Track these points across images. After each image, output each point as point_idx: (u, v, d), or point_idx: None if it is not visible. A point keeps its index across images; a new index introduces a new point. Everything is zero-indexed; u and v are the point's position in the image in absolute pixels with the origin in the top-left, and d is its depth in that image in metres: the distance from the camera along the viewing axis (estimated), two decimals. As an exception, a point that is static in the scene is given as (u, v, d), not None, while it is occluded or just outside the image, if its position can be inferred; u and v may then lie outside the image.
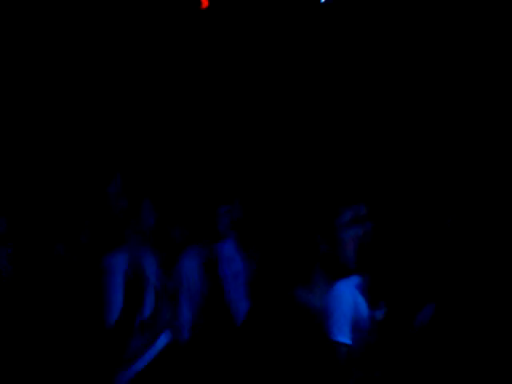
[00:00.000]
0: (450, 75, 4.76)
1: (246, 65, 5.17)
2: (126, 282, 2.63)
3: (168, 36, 4.91)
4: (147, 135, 4.79)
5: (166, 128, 4.98)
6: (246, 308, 3.74)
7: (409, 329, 3.05)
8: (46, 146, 4.29)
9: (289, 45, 5.12)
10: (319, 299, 2.23)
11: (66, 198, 2.33)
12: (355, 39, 5.03)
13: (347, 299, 2.43)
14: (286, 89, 5.17)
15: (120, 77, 4.82)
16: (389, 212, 3.56)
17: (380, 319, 2.82)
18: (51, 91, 4.52)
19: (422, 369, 2.78)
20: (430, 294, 3.42)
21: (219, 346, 3.48)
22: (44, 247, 2.30)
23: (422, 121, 4.79)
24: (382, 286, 3.35)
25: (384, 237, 3.47)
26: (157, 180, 3.18)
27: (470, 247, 3.47)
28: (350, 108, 5.06)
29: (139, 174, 3.02)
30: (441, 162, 4.50)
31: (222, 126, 5.15)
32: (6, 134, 4.25)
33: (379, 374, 2.97)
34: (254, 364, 2.27)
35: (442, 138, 4.67)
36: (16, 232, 2.64)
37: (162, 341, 2.91)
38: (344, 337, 2.19)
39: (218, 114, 5.16)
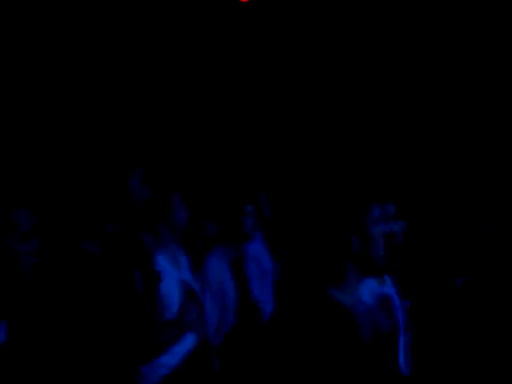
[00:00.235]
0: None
1: (277, 59, 5.15)
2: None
3: (206, 28, 4.90)
4: (174, 131, 4.80)
5: (192, 125, 4.99)
6: (272, 308, 3.72)
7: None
8: (69, 138, 4.31)
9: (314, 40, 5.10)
10: (351, 298, 2.21)
11: (90, 192, 2.32)
12: (357, 38, 5.00)
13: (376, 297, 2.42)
14: (314, 85, 5.15)
15: (148, 70, 4.83)
16: (421, 213, 3.53)
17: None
18: (79, 84, 4.54)
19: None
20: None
21: (246, 346, 3.46)
22: (70, 242, 2.30)
23: (463, 124, 4.75)
24: (411, 284, 3.33)
25: (414, 236, 3.44)
26: (185, 176, 3.18)
27: (501, 254, 3.44)
28: (382, 106, 5.03)
29: (166, 168, 3.02)
30: (477, 168, 4.45)
31: (249, 123, 5.14)
32: (27, 128, 4.27)
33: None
34: (283, 364, 2.24)
35: (477, 147, 4.63)
36: (40, 226, 2.65)
37: (189, 341, 2.90)
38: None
39: (246, 111, 5.15)
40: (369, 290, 2.57)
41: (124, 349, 2.28)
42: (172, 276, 2.93)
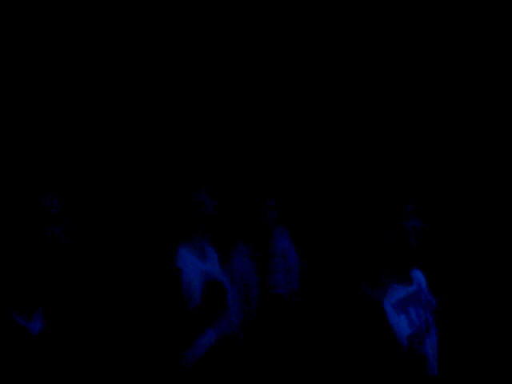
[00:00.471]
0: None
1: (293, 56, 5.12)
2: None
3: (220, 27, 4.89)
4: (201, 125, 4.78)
5: (220, 118, 4.97)
6: (298, 303, 3.69)
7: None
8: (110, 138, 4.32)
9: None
10: (383, 294, 2.18)
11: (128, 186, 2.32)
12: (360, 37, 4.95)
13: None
14: (339, 80, 5.11)
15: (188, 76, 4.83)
16: (454, 209, 3.49)
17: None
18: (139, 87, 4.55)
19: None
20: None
21: (271, 341, 3.44)
22: (108, 231, 2.30)
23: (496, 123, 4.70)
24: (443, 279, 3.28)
25: (446, 233, 3.39)
26: (211, 169, 3.16)
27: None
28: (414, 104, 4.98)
29: (193, 161, 3.01)
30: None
31: (276, 118, 5.11)
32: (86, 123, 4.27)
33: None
34: (310, 359, 2.21)
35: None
36: (71, 208, 2.65)
37: (211, 336, 2.90)
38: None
39: (271, 108, 5.12)
40: (396, 292, 2.54)
41: (159, 333, 2.28)
42: (196, 268, 2.92)
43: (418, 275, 3.12)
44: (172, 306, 2.60)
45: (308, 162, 4.89)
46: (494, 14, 4.52)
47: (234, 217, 3.82)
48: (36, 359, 2.32)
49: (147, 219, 2.48)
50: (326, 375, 2.11)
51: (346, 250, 2.25)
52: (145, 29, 4.69)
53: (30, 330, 2.33)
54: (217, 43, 4.94)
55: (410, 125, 4.88)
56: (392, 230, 2.19)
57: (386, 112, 5.02)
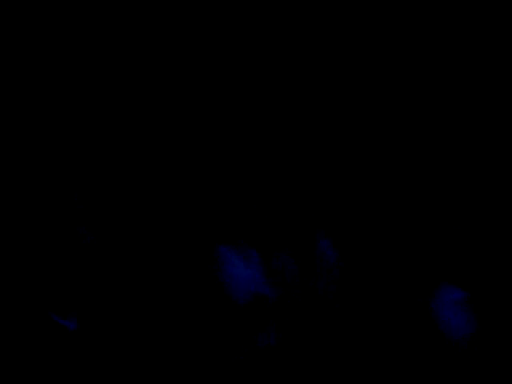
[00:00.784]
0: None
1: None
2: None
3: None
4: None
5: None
6: (340, 305, 3.62)
7: None
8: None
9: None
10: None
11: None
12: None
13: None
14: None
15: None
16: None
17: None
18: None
19: None
20: None
21: (313, 345, 3.37)
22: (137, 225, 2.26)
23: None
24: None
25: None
26: (255, 172, 3.11)
27: None
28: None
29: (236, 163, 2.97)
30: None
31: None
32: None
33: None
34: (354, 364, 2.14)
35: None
36: (97, 207, 2.63)
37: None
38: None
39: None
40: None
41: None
42: (238, 270, 2.87)
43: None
44: (213, 311, 2.55)
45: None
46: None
47: (277, 216, 3.75)
48: (73, 356, 2.30)
49: (183, 213, 2.43)
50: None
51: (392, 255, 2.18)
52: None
53: (67, 327, 2.32)
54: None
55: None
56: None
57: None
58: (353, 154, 4.69)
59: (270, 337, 2.84)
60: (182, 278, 2.42)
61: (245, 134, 4.09)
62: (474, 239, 2.73)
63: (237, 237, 2.92)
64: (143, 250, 2.33)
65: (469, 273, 2.81)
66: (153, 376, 2.22)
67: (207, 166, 2.61)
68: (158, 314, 2.18)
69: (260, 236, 3.40)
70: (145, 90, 4.13)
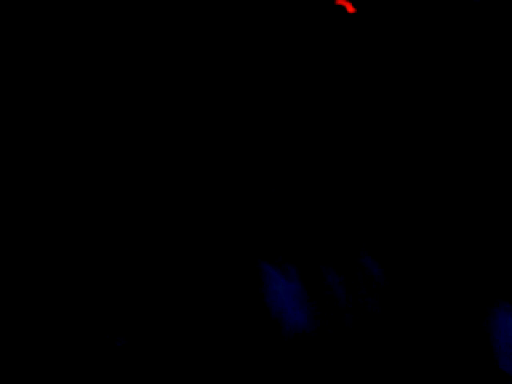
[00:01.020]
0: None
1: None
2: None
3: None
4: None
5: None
6: (377, 316, 3.57)
7: None
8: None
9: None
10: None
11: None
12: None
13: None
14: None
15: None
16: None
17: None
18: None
19: None
20: None
21: (361, 365, 3.33)
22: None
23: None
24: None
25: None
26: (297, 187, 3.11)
27: None
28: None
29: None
30: None
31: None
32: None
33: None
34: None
35: None
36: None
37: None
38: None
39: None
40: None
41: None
42: (282, 287, 2.81)
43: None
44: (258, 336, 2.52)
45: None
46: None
47: (320, 232, 3.71)
48: (121, 371, 2.34)
49: (224, 227, 2.46)
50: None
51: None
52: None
53: (115, 343, 2.36)
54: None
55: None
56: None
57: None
58: (401, 170, 4.65)
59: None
60: (227, 296, 2.43)
61: (287, 154, 4.11)
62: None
63: (278, 253, 2.89)
64: (189, 269, 2.36)
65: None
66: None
67: (250, 184, 2.64)
68: (203, 330, 2.19)
69: (302, 253, 3.38)
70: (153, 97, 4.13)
